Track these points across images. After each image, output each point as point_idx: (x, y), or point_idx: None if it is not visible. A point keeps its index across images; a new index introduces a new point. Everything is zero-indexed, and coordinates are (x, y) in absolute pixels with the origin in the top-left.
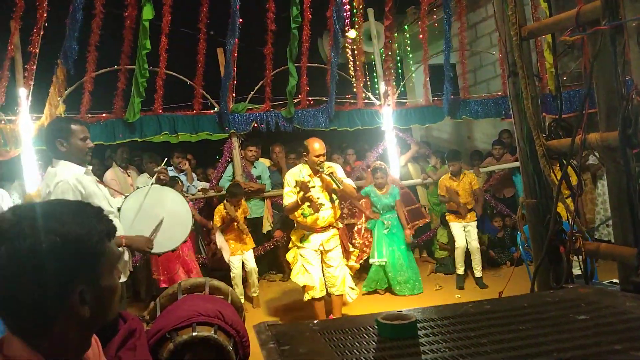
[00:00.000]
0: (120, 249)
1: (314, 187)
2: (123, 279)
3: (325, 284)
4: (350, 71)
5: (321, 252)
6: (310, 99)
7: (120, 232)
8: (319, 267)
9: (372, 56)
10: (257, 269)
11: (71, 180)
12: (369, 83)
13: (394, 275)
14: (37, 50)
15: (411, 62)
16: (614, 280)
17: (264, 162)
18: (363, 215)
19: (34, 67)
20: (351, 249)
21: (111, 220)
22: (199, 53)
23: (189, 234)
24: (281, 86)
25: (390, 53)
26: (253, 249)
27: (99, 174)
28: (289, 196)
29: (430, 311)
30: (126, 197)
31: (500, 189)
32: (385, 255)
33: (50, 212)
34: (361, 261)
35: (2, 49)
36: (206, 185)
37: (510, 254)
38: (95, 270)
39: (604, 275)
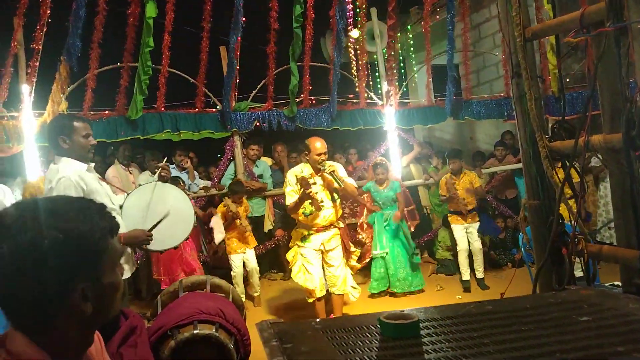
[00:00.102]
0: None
1: (314, 184)
2: (127, 275)
3: (326, 284)
4: (353, 71)
5: (322, 252)
6: (312, 98)
7: (122, 230)
8: (320, 267)
9: (375, 56)
10: (258, 268)
11: (73, 176)
12: (371, 83)
13: (394, 271)
14: (40, 47)
15: (414, 62)
16: (616, 283)
17: (266, 161)
18: (365, 210)
19: (37, 63)
20: (352, 248)
21: (114, 217)
22: (201, 51)
23: (191, 232)
24: (284, 85)
25: (393, 53)
26: (254, 247)
27: (101, 171)
28: (291, 195)
29: (433, 311)
30: (128, 194)
31: (502, 191)
32: (386, 246)
33: (53, 208)
34: (366, 261)
35: (5, 46)
36: (208, 183)
37: (511, 255)
38: (98, 267)
39: (605, 278)
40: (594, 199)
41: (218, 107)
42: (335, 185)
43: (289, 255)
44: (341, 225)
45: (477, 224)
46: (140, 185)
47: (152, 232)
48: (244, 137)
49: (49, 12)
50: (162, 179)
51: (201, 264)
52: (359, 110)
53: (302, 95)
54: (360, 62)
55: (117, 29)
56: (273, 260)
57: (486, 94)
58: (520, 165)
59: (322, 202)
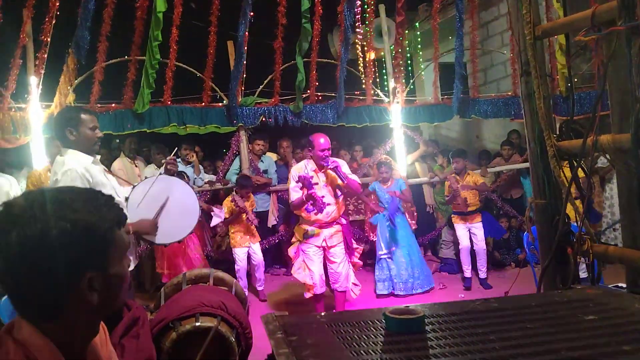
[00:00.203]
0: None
1: (317, 184)
2: (131, 267)
3: (329, 280)
4: (360, 67)
5: (324, 248)
6: (319, 94)
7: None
8: (320, 264)
9: (382, 53)
10: (264, 262)
11: (79, 168)
12: (378, 80)
13: (396, 272)
14: (49, 39)
15: (421, 59)
16: (620, 284)
17: (271, 156)
18: (368, 210)
19: (45, 55)
20: (355, 245)
21: (122, 209)
22: (209, 45)
23: (195, 226)
24: (290, 81)
25: (400, 50)
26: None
27: (107, 164)
28: (295, 192)
29: (438, 307)
30: (134, 186)
31: (507, 190)
32: (390, 247)
33: (61, 199)
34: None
35: (14, 37)
36: (213, 177)
37: (515, 255)
38: (105, 258)
39: (608, 280)
40: (599, 200)
41: (224, 101)
42: (339, 181)
43: (291, 252)
44: (344, 221)
45: (480, 224)
46: (146, 177)
47: (158, 222)
48: (249, 132)
49: (57, 4)
50: (169, 172)
51: (205, 257)
52: (365, 107)
53: (308, 91)
54: (367, 59)
55: (124, 22)
56: (276, 255)
57: (493, 92)
58: (526, 164)
59: (324, 197)
